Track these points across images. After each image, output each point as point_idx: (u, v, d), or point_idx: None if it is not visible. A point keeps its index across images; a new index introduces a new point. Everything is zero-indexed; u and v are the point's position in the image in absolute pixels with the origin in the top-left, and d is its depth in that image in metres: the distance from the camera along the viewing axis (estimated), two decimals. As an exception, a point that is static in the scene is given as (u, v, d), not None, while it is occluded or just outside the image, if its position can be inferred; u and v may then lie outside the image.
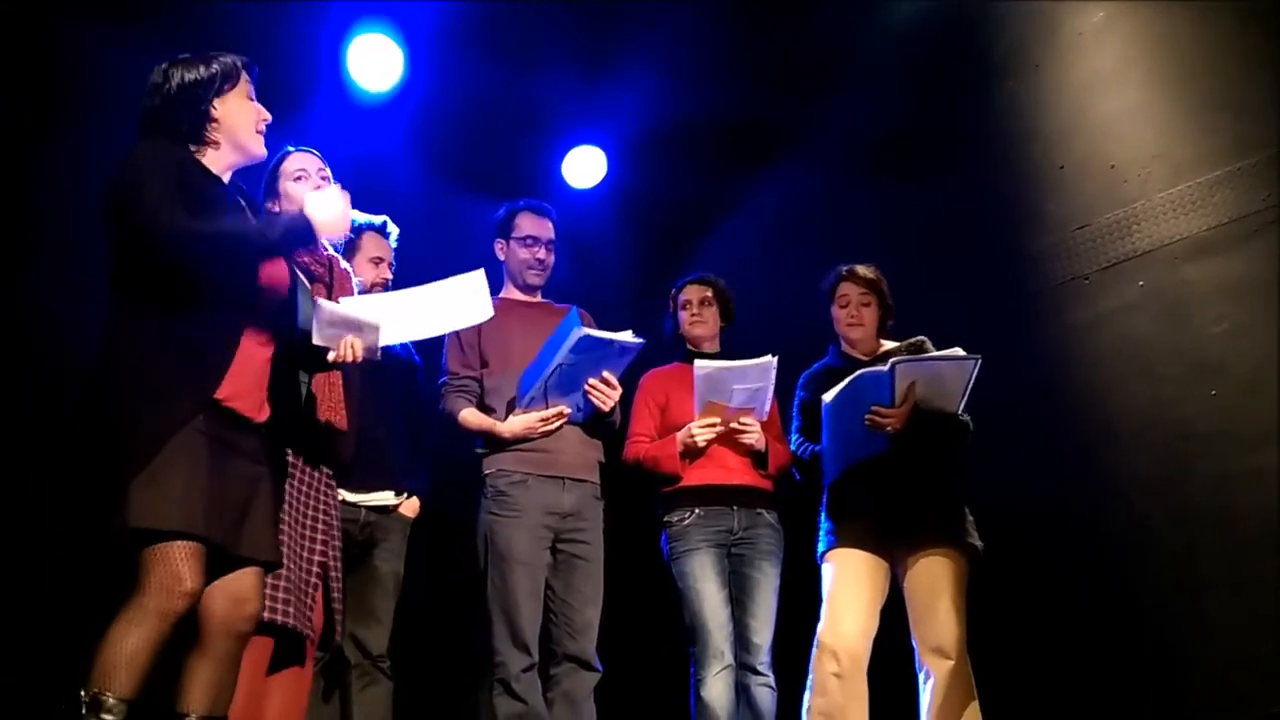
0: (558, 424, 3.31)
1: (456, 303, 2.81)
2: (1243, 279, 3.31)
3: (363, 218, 3.49)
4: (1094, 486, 3.62)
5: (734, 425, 3.53)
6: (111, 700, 2.03)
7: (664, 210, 5.23)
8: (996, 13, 4.20)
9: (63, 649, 3.14)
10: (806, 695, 3.17)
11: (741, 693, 3.43)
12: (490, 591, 3.25)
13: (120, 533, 2.09)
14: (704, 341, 3.80)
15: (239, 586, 2.28)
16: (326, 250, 2.96)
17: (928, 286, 3.85)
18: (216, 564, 2.23)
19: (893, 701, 3.32)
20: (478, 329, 3.43)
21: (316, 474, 2.77)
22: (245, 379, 2.31)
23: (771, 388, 3.53)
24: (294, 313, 2.51)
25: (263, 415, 2.37)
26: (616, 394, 3.38)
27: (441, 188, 4.73)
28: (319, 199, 2.37)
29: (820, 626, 3.19)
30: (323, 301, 2.51)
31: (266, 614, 2.48)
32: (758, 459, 3.61)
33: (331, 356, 2.49)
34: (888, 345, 3.54)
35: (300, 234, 2.33)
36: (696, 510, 3.54)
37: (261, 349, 2.38)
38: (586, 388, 3.32)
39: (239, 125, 2.43)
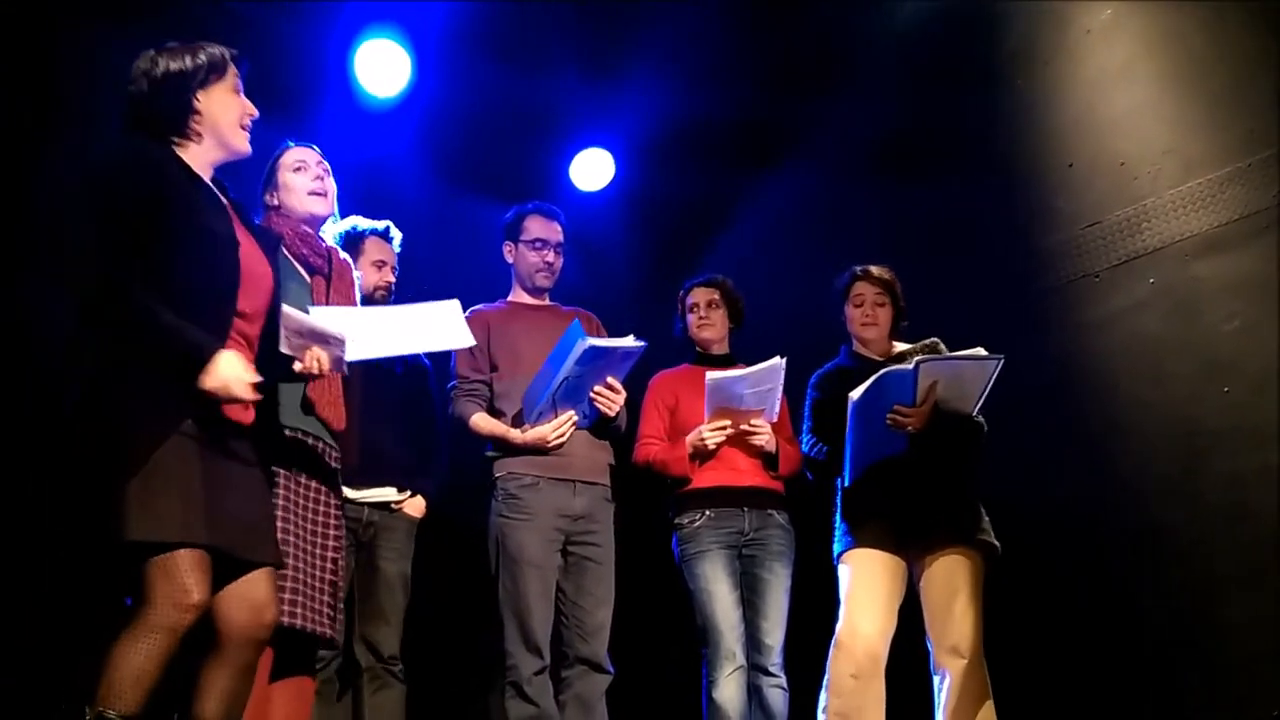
0: (569, 435, 3.31)
1: (431, 327, 2.78)
2: (1254, 276, 3.29)
3: (366, 223, 3.50)
4: (1105, 484, 3.61)
5: (744, 427, 3.52)
6: (116, 716, 2.00)
7: (672, 212, 5.22)
8: (1005, 10, 4.19)
9: (63, 650, 3.16)
10: (823, 695, 3.16)
11: (753, 694, 3.43)
12: (502, 594, 3.25)
13: (121, 546, 2.05)
14: (713, 344, 3.80)
15: (255, 593, 2.24)
16: (325, 243, 2.93)
17: (937, 285, 3.84)
18: (223, 569, 2.20)
19: (907, 704, 3.31)
20: (486, 333, 3.44)
21: (320, 476, 2.72)
22: None
23: (781, 389, 3.52)
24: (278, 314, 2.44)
25: (249, 417, 2.31)
26: (621, 398, 3.38)
27: (449, 192, 4.73)
28: (234, 363, 2.18)
29: (839, 627, 3.18)
30: (289, 310, 2.42)
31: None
32: (768, 460, 3.60)
33: (297, 367, 2.42)
34: (900, 346, 3.53)
35: (191, 366, 2.15)
36: (707, 512, 3.54)
37: (244, 350, 2.32)
38: (592, 395, 3.32)
39: (222, 119, 2.37)
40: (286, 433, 2.64)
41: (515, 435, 3.32)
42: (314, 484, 2.70)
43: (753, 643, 3.46)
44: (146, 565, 2.07)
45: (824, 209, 4.80)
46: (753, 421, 3.53)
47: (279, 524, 2.53)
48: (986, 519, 3.28)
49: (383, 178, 4.31)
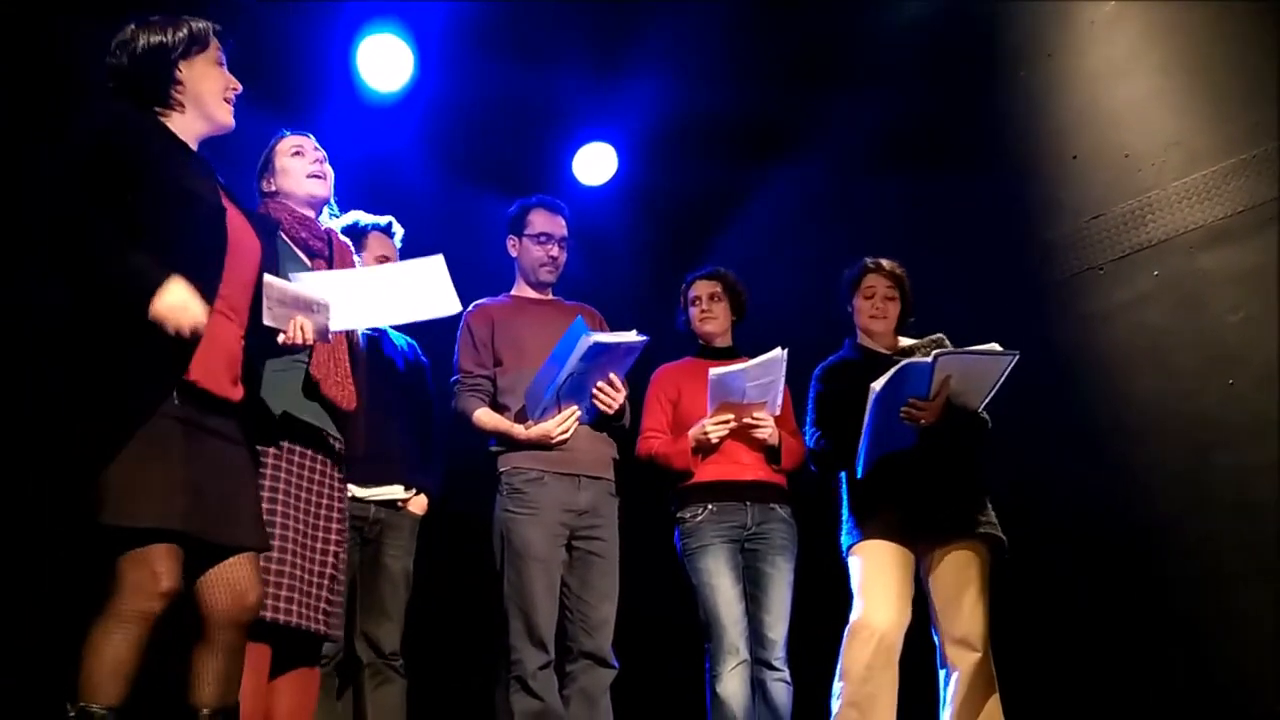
0: (573, 430, 3.30)
1: (417, 290, 2.69)
2: (1259, 268, 3.28)
3: (368, 218, 3.50)
4: (1110, 477, 3.61)
5: (747, 420, 3.52)
6: (99, 710, 2.00)
7: (675, 206, 5.22)
8: (1007, 3, 4.18)
9: (62, 650, 3.16)
10: (836, 684, 3.15)
11: (757, 688, 3.43)
12: (507, 589, 3.25)
13: (96, 530, 2.03)
14: (715, 337, 3.79)
15: (237, 578, 2.22)
16: (323, 225, 2.91)
17: (941, 278, 3.84)
18: (205, 553, 2.18)
19: (911, 697, 3.30)
20: (490, 327, 3.43)
21: (325, 462, 2.69)
22: (215, 358, 2.23)
23: (783, 380, 3.52)
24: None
25: (237, 393, 2.29)
26: (622, 396, 3.38)
27: (452, 186, 4.73)
28: (181, 290, 2.09)
29: (854, 616, 3.17)
30: (270, 278, 2.36)
31: (269, 614, 2.43)
32: (771, 454, 3.60)
33: (281, 339, 2.37)
34: (904, 341, 3.53)
35: (137, 293, 2.07)
36: (709, 506, 3.53)
37: (228, 325, 2.29)
38: (593, 394, 3.32)
39: (205, 90, 2.36)
40: (284, 421, 2.60)
41: (519, 431, 3.31)
42: (316, 476, 2.67)
43: (756, 637, 3.46)
44: (118, 550, 2.06)
45: (827, 202, 4.80)
46: (755, 415, 3.53)
47: (278, 518, 2.52)
48: (992, 512, 3.28)
49: (386, 172, 4.31)
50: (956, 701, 3.13)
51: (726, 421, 3.50)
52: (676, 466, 3.58)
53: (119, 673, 2.02)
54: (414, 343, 3.61)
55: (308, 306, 2.39)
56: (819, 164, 4.73)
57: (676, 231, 5.22)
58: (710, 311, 3.77)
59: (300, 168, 2.85)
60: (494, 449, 3.38)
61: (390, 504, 3.34)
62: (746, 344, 3.82)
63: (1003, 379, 3.13)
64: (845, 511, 3.38)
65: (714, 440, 3.52)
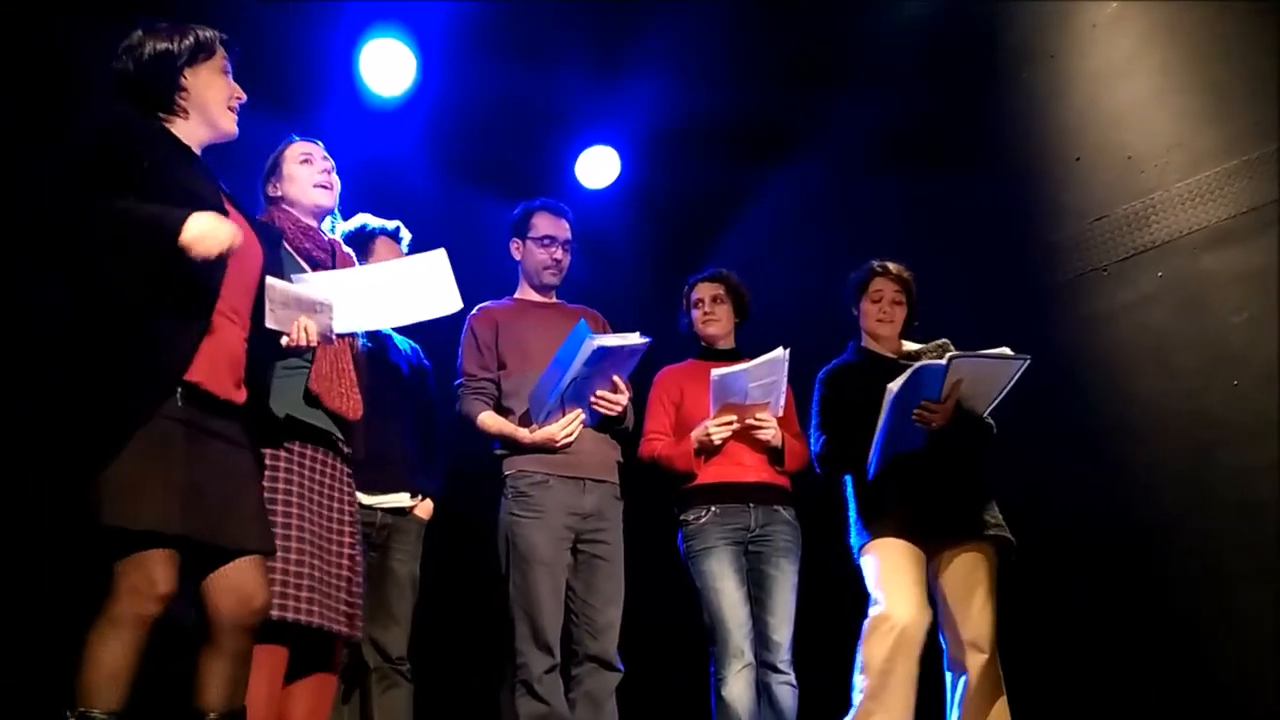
0: (577, 433, 3.30)
1: (419, 288, 2.68)
2: (1262, 268, 3.29)
3: (376, 222, 3.49)
4: (1113, 478, 3.61)
5: (750, 421, 3.52)
6: (99, 715, 2.00)
7: (677, 209, 5.22)
8: (1009, 4, 4.19)
9: (61, 652, 3.17)
10: (857, 677, 3.14)
11: (763, 691, 3.42)
12: (512, 593, 3.25)
13: (94, 532, 2.03)
14: (718, 339, 3.79)
15: (242, 582, 2.21)
16: (326, 236, 2.89)
17: (944, 280, 3.83)
18: (209, 557, 2.17)
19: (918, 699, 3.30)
20: (494, 331, 3.43)
21: (335, 465, 2.68)
22: (217, 360, 2.22)
23: (785, 380, 3.51)
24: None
25: (240, 396, 2.28)
26: (625, 399, 3.38)
27: (455, 190, 4.74)
28: (207, 217, 2.11)
29: (874, 610, 3.16)
30: (272, 280, 2.35)
31: (290, 614, 2.42)
32: (774, 455, 3.59)
33: (285, 342, 2.36)
34: (909, 346, 3.53)
35: (166, 232, 2.07)
36: (712, 508, 3.53)
37: (231, 328, 2.28)
38: (593, 400, 3.31)
39: (210, 98, 2.37)
40: (291, 424, 2.58)
41: (524, 435, 3.31)
42: (327, 479, 2.65)
43: (761, 640, 3.45)
44: (116, 552, 2.05)
45: (830, 204, 4.81)
46: (758, 416, 3.52)
47: (294, 519, 2.50)
48: (999, 514, 3.29)
49: (389, 176, 4.31)
50: (965, 704, 3.13)
51: (729, 423, 3.50)
52: (679, 468, 3.58)
53: (118, 677, 2.02)
54: (417, 346, 3.61)
55: (310, 307, 2.39)
56: (821, 165, 4.74)
57: (679, 234, 5.22)
58: (713, 314, 3.77)
59: (307, 176, 2.84)
60: (498, 452, 3.38)
61: (397, 510, 3.34)
62: (750, 345, 3.81)
63: (1011, 384, 3.14)
64: (853, 513, 3.38)
65: (716, 441, 3.52)
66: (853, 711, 3.13)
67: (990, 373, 3.13)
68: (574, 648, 3.28)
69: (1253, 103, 3.35)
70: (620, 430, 3.47)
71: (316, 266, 2.76)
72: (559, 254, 3.57)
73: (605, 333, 3.41)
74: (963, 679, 3.17)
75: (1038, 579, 3.49)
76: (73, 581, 3.18)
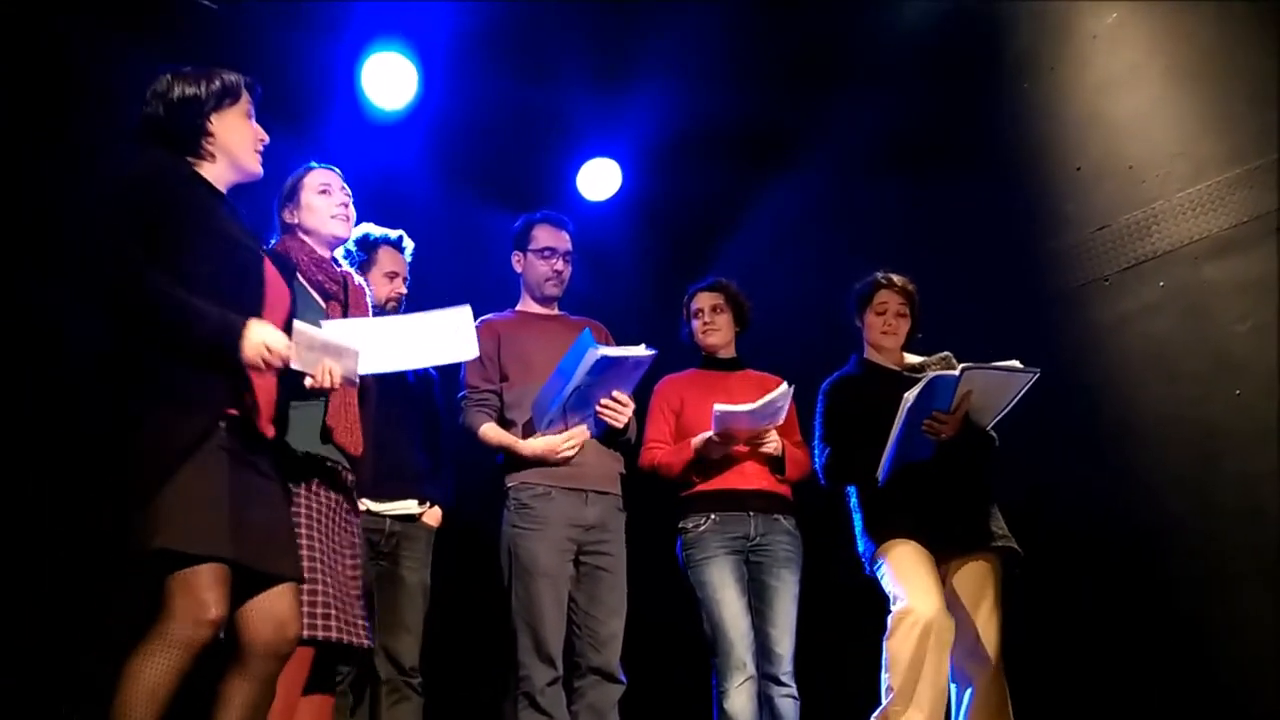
0: (578, 448, 3.30)
1: (441, 336, 2.75)
2: (1264, 277, 3.29)
3: (379, 231, 3.50)
4: (1118, 487, 3.60)
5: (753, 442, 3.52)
6: None
7: (679, 220, 5.24)
8: (1009, 15, 4.20)
9: (62, 650, 3.17)
10: (883, 675, 3.12)
11: (765, 704, 3.40)
12: (515, 604, 3.24)
13: (145, 554, 2.07)
14: (719, 349, 3.78)
15: (279, 608, 2.25)
16: (341, 266, 2.93)
17: (946, 290, 3.84)
18: (246, 582, 2.21)
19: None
20: (496, 342, 3.43)
21: (338, 495, 2.72)
22: (258, 394, 2.30)
23: (788, 406, 3.51)
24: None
25: (271, 432, 2.36)
26: (629, 410, 3.38)
27: (457, 203, 4.75)
28: (264, 330, 2.24)
29: (897, 607, 3.14)
30: (300, 325, 2.41)
31: (307, 632, 2.44)
32: (774, 464, 3.59)
33: (309, 383, 2.41)
34: (911, 358, 3.53)
35: (226, 341, 2.20)
36: (712, 516, 3.51)
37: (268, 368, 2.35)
38: (598, 409, 3.31)
39: (236, 142, 2.43)
40: (306, 458, 2.63)
41: (523, 447, 3.31)
42: (333, 503, 2.69)
43: (763, 652, 3.43)
44: (168, 576, 2.09)
45: (832, 215, 4.82)
46: (761, 436, 3.52)
47: (304, 541, 2.53)
48: (1004, 524, 3.29)
49: (391, 190, 4.32)
50: (971, 712, 3.12)
51: (731, 443, 3.49)
52: (678, 473, 3.57)
53: (155, 697, 2.03)
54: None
55: (336, 353, 2.44)
56: (822, 177, 4.75)
57: (681, 245, 5.23)
58: (713, 323, 3.77)
59: (326, 207, 2.87)
60: (501, 464, 3.38)
61: (406, 517, 3.36)
62: (751, 354, 3.82)
63: (1018, 397, 3.14)
64: (860, 523, 3.38)
65: (715, 457, 3.52)
66: (880, 709, 3.10)
67: (1000, 385, 3.14)
68: (576, 660, 3.27)
69: (1254, 112, 3.36)
70: (622, 442, 3.47)
71: (329, 299, 2.80)
72: (560, 265, 3.58)
73: (608, 345, 3.41)
74: (969, 691, 3.17)
75: (1043, 585, 3.48)
76: (70, 581, 3.20)
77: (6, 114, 3.47)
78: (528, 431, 3.34)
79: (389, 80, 4.46)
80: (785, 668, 3.42)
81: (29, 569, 3.26)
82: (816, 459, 3.49)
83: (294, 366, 2.36)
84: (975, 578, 3.21)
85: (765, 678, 3.42)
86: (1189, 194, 3.53)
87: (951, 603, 3.18)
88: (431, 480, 3.44)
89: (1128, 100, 3.76)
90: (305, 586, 2.49)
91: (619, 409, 3.34)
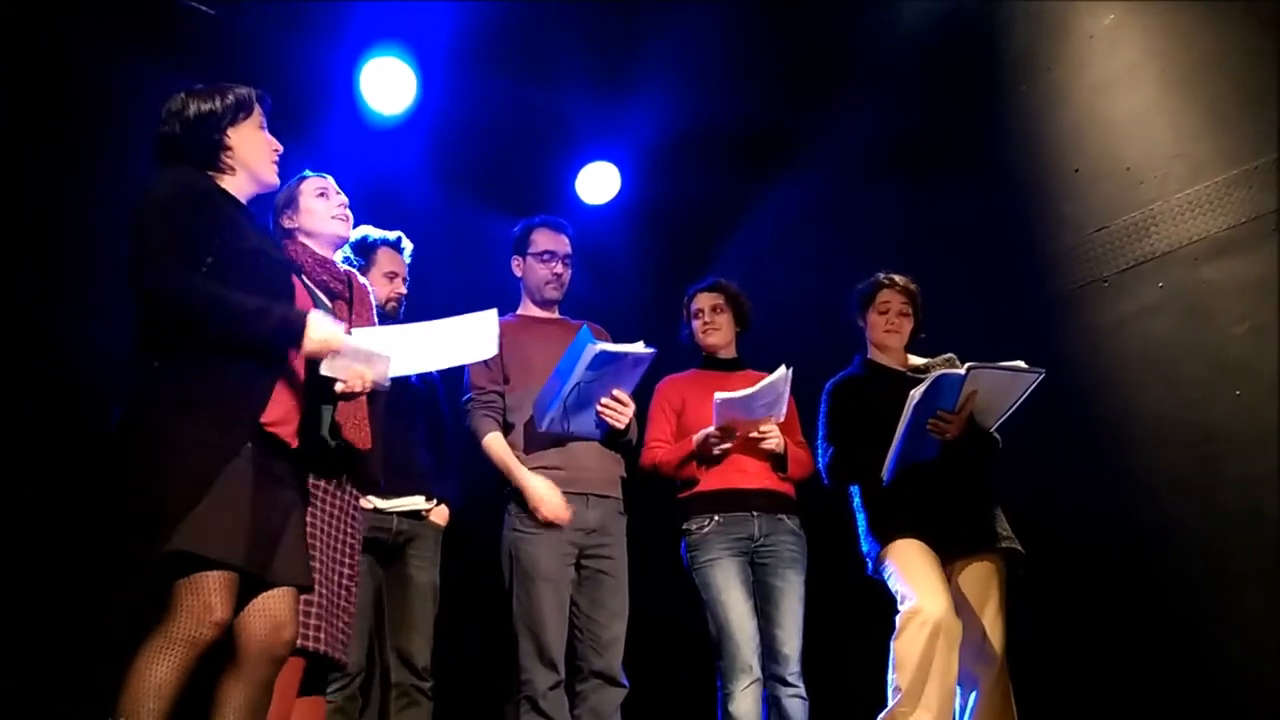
0: (567, 521, 3.27)
1: (464, 339, 2.80)
2: (1263, 278, 3.29)
3: (377, 233, 3.52)
4: (1118, 489, 3.61)
5: (753, 435, 3.51)
6: None
7: (678, 223, 5.24)
8: (1007, 16, 4.21)
9: (62, 650, 3.18)
10: (890, 675, 3.12)
11: (772, 705, 3.40)
12: (516, 609, 3.24)
13: (159, 555, 2.10)
14: (719, 349, 3.79)
15: (276, 610, 2.29)
16: (342, 267, 2.96)
17: (945, 292, 3.84)
18: (249, 586, 2.24)
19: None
20: (499, 344, 3.43)
21: (344, 496, 2.76)
22: (285, 405, 2.36)
23: (787, 393, 3.51)
24: None
25: (296, 442, 2.41)
26: (630, 410, 3.37)
27: (456, 207, 4.76)
28: (322, 321, 2.34)
29: (905, 606, 3.13)
30: None
31: (299, 641, 2.46)
32: (777, 462, 3.59)
33: (340, 388, 2.47)
34: (915, 360, 3.53)
35: (288, 337, 2.31)
36: (715, 517, 3.51)
37: (297, 375, 2.42)
38: (599, 408, 3.31)
39: (253, 154, 2.49)
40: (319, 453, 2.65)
41: (524, 482, 3.27)
42: (338, 510, 2.73)
43: (769, 653, 3.43)
44: (176, 578, 2.13)
45: (831, 217, 4.82)
46: (762, 428, 3.52)
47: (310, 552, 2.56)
48: (1007, 525, 3.30)
49: (390, 194, 4.33)
50: (976, 714, 3.12)
51: (732, 437, 3.50)
52: (680, 470, 3.57)
53: (162, 694, 2.06)
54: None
55: (367, 359, 2.48)
56: (822, 180, 4.75)
57: (680, 247, 5.24)
58: (713, 323, 3.77)
59: (325, 209, 2.92)
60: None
61: (413, 515, 3.36)
62: (751, 354, 3.82)
63: (1022, 399, 3.15)
64: (864, 522, 3.38)
65: (716, 453, 3.52)
66: (887, 709, 3.10)
67: (1005, 385, 3.14)
68: (578, 663, 3.27)
69: (1252, 113, 3.36)
70: (623, 443, 3.47)
71: (335, 298, 2.84)
72: (559, 268, 3.58)
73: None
74: (973, 694, 3.17)
75: (1043, 586, 3.48)
76: (73, 582, 3.21)
77: (6, 116, 3.48)
78: (529, 434, 3.34)
79: (388, 85, 4.47)
80: (793, 668, 3.42)
81: (29, 569, 3.26)
82: (820, 459, 3.49)
83: (325, 373, 2.42)
84: (980, 578, 3.22)
85: (772, 679, 3.41)
86: (1187, 195, 3.53)
87: (957, 603, 3.18)
88: (438, 479, 3.45)
89: (1125, 101, 3.76)
90: (302, 595, 2.49)
91: (620, 408, 3.34)
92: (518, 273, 3.64)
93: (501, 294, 3.70)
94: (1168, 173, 3.60)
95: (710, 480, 3.55)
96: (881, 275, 3.57)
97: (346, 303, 2.85)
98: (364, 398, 2.71)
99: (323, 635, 2.56)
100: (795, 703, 3.39)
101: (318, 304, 2.72)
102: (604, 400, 3.31)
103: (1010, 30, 4.20)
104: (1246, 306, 3.33)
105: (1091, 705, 3.57)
